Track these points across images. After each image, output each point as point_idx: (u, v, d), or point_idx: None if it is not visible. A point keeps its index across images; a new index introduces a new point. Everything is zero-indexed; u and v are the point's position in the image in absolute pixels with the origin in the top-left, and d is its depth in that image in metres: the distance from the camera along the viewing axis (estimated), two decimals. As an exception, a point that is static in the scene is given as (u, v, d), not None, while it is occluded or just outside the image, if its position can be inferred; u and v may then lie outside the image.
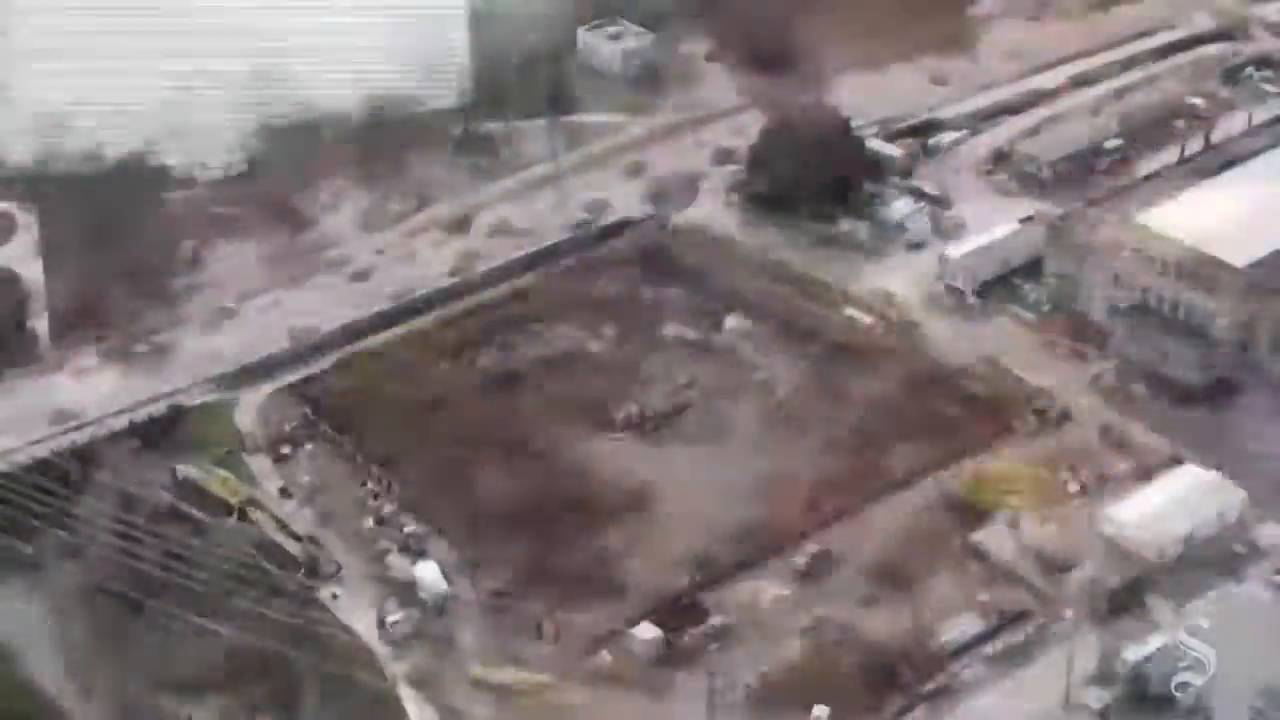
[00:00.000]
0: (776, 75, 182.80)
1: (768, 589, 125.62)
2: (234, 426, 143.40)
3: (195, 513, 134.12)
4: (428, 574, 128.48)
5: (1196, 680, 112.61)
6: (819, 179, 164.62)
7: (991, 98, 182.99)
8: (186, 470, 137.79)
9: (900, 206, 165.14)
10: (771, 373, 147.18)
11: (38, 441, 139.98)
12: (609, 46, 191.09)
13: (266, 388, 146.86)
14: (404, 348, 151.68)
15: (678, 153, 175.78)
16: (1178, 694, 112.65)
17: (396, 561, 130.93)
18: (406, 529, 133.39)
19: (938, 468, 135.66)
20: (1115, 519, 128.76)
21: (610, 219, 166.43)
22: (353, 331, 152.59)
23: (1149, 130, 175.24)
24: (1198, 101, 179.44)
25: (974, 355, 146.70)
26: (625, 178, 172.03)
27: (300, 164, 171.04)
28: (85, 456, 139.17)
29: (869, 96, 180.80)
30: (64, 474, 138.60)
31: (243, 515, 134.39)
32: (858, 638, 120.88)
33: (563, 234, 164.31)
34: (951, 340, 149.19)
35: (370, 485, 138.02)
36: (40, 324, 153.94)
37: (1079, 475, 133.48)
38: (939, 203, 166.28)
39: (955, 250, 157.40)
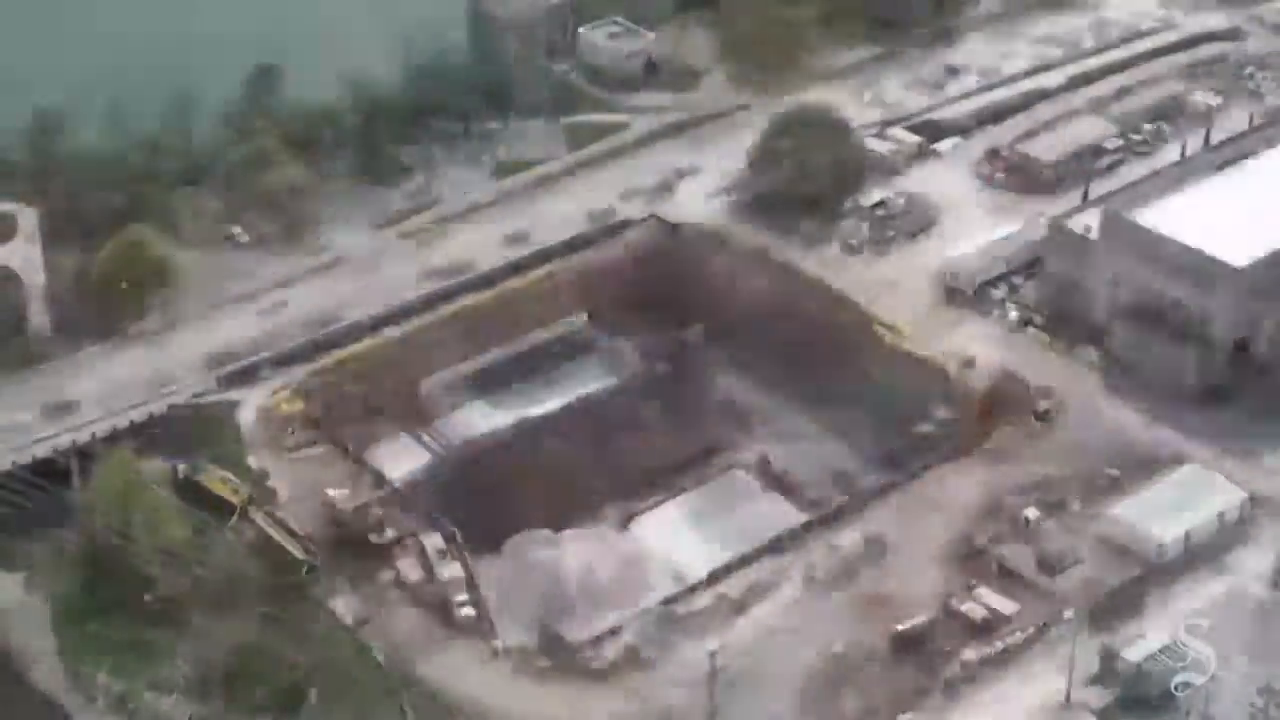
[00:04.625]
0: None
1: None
2: (236, 425, 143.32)
3: (196, 512, 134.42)
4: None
5: (1196, 680, 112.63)
6: (819, 179, 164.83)
7: (991, 98, 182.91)
8: (187, 470, 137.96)
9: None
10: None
11: (39, 440, 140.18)
12: (609, 46, 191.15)
13: (269, 386, 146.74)
14: (402, 347, 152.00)
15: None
16: (1178, 694, 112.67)
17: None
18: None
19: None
20: (1116, 519, 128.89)
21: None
22: (353, 331, 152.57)
23: (1149, 130, 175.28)
24: (1198, 101, 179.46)
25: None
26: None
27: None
28: (85, 455, 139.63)
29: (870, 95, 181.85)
30: (64, 472, 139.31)
31: (244, 515, 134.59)
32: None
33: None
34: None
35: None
36: (41, 323, 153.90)
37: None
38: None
39: (955, 250, 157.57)
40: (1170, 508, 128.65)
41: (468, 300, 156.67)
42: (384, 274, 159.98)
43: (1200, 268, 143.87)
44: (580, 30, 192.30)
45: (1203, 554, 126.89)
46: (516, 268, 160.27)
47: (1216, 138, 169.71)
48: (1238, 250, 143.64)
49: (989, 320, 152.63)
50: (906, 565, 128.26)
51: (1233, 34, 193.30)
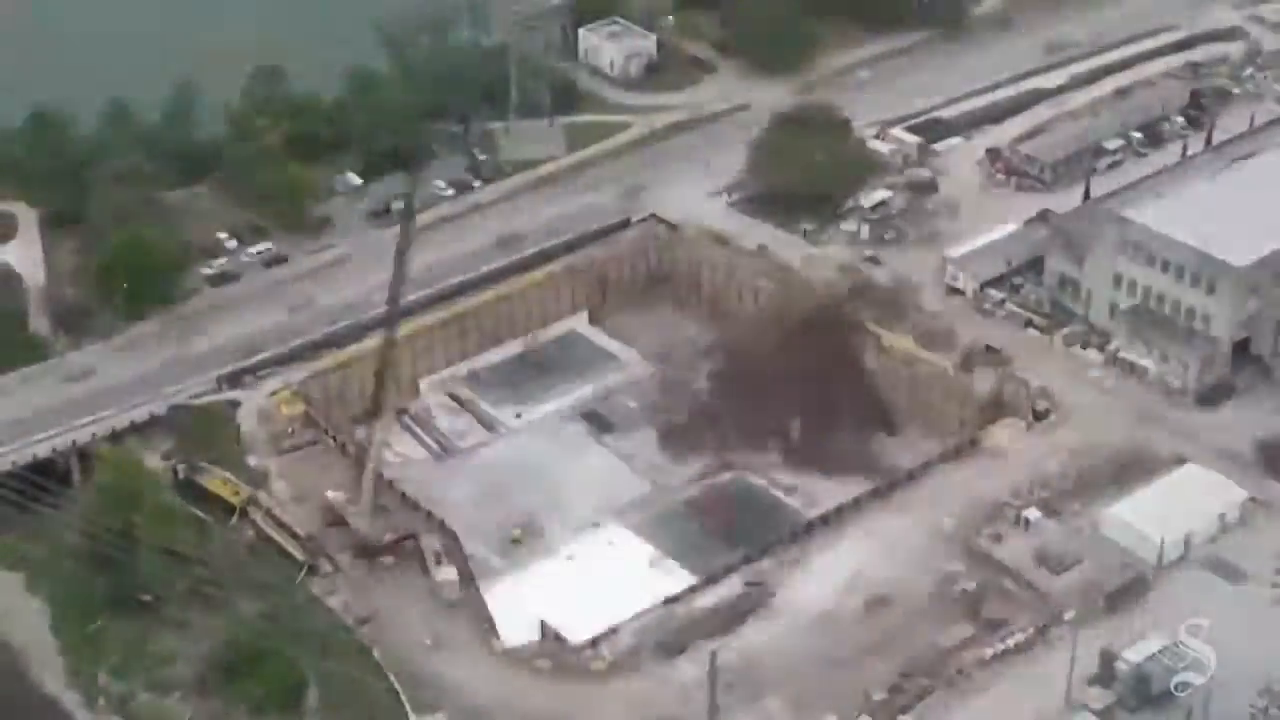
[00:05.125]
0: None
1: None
2: (236, 425, 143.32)
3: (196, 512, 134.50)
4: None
5: (1196, 680, 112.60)
6: (818, 179, 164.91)
7: (992, 98, 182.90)
8: (187, 470, 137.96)
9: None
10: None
11: (40, 440, 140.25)
12: (609, 46, 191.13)
13: (269, 386, 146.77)
14: (402, 347, 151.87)
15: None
16: (1178, 694, 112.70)
17: None
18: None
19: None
20: (1116, 519, 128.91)
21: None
22: (353, 331, 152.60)
23: (1149, 130, 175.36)
24: (1198, 101, 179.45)
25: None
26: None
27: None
28: (85, 455, 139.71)
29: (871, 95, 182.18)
30: (64, 472, 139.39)
31: (244, 515, 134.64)
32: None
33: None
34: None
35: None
36: (41, 322, 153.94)
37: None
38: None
39: (956, 250, 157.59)
40: (1170, 508, 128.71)
41: (468, 300, 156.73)
42: (384, 273, 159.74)
43: (1200, 268, 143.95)
44: (580, 30, 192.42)
45: (1202, 554, 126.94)
46: (516, 268, 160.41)
47: (1217, 138, 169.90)
48: (1238, 250, 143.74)
49: (990, 320, 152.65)
50: (907, 566, 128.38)
51: (1232, 34, 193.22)
